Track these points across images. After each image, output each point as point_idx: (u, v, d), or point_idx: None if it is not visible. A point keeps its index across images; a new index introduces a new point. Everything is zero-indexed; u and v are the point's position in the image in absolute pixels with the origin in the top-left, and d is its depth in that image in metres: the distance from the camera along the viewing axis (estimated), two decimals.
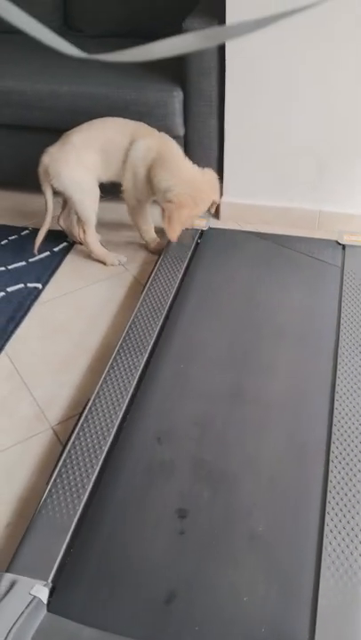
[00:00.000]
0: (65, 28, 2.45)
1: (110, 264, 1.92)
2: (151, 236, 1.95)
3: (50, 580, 1.02)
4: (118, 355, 1.48)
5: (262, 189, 2.04)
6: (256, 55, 1.76)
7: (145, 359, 1.46)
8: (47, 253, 1.95)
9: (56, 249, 1.98)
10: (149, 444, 1.28)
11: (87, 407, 1.34)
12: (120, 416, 1.32)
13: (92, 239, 1.88)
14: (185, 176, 1.75)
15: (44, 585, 1.01)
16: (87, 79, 1.96)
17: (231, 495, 1.17)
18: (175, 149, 1.79)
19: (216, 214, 2.10)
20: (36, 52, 2.19)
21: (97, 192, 1.81)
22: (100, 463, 1.22)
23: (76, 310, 1.75)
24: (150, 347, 1.50)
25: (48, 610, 0.99)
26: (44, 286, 1.84)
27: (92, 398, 1.36)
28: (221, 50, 1.78)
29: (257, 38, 1.73)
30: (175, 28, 1.84)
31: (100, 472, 1.21)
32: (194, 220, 1.83)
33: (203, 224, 1.97)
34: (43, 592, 1.00)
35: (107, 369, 1.44)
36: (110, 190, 1.85)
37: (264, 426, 1.31)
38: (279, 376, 1.44)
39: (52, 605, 1.00)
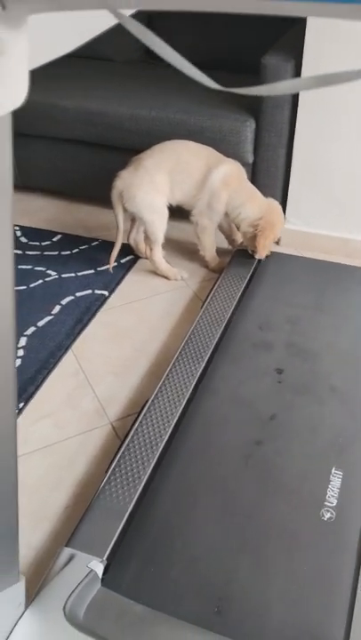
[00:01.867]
0: (146, 57, 2.62)
1: (173, 279, 2.02)
2: (213, 255, 2.06)
3: (105, 558, 1.11)
4: (177, 361, 1.57)
5: (323, 219, 2.12)
6: (330, 91, 1.86)
7: (202, 367, 1.55)
8: (115, 264, 2.07)
9: (123, 261, 2.11)
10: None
11: (146, 405, 1.44)
12: (177, 416, 1.40)
13: (158, 256, 2.00)
14: (264, 204, 1.92)
15: (100, 561, 1.10)
16: (167, 105, 2.10)
17: None
18: (246, 178, 1.94)
19: (276, 242, 2.19)
20: (121, 78, 2.38)
21: (166, 213, 1.93)
22: (155, 457, 1.30)
23: (139, 318, 1.86)
24: (208, 356, 1.59)
25: (102, 584, 1.08)
26: (110, 294, 1.96)
27: (152, 398, 1.45)
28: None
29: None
30: (254, 63, 1.98)
31: (155, 465, 1.29)
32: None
33: None
34: (98, 567, 1.09)
35: (166, 373, 1.53)
36: (177, 211, 1.97)
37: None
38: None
39: (105, 581, 1.09)
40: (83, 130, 2.19)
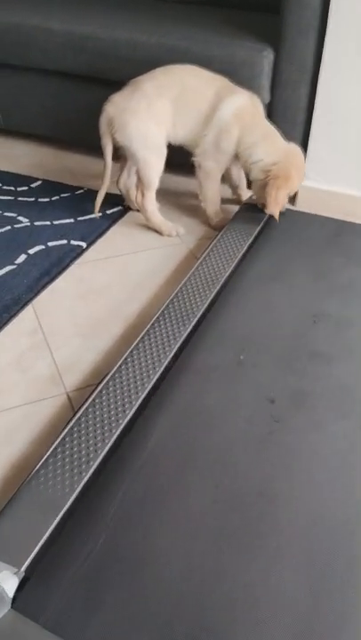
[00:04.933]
0: None
1: (167, 234, 1.70)
2: (216, 208, 1.74)
3: (23, 569, 0.79)
4: (155, 325, 1.25)
5: (349, 176, 1.79)
6: None
7: (185, 335, 1.23)
8: (99, 214, 1.75)
9: (109, 212, 1.79)
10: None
11: (109, 374, 1.12)
12: (146, 390, 1.08)
13: (151, 205, 1.68)
14: (282, 147, 1.59)
15: (15, 573, 0.78)
16: (170, 31, 1.78)
17: None
18: (264, 115, 1.61)
19: (292, 199, 1.86)
20: (118, 2, 2.06)
21: (164, 151, 1.61)
22: (112, 438, 0.99)
23: (119, 275, 1.55)
24: (194, 322, 1.27)
25: (13, 606, 0.77)
26: (88, 246, 1.64)
27: (117, 366, 1.14)
28: (326, 4, 1.56)
29: None
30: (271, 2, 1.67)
31: (111, 448, 0.98)
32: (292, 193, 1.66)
33: None
34: (10, 582, 0.77)
35: (138, 338, 1.22)
36: (176, 157, 1.64)
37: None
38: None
39: (19, 601, 0.77)
40: (72, 59, 1.87)
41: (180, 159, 1.67)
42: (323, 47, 1.62)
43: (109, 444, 0.97)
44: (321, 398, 1.12)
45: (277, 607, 0.76)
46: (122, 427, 1.01)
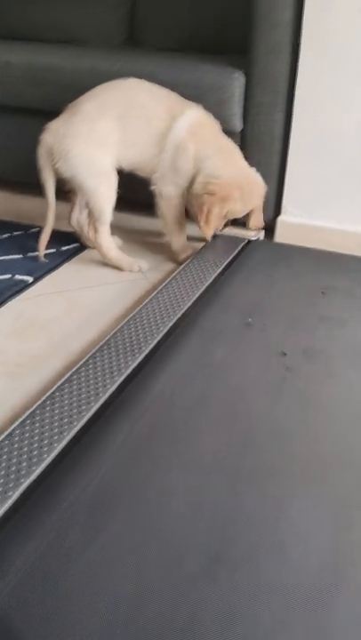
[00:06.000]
0: (129, 42, 2.23)
1: (128, 270, 1.49)
2: (182, 242, 1.53)
3: None
4: (89, 361, 1.00)
5: (332, 208, 1.61)
6: (347, 31, 1.40)
7: (126, 374, 0.97)
8: (52, 250, 1.55)
9: (64, 248, 1.59)
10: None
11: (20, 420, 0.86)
12: (67, 438, 0.82)
13: (106, 240, 1.47)
14: (238, 167, 1.41)
15: None
16: (134, 59, 1.67)
17: None
18: (221, 131, 1.45)
19: (270, 234, 1.67)
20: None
21: (114, 178, 1.42)
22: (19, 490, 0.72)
23: (68, 310, 1.32)
24: (141, 358, 1.02)
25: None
26: (35, 281, 1.43)
27: (32, 410, 0.88)
28: (298, 20, 1.44)
29: (348, 5, 1.38)
30: (243, 42, 1.56)
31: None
32: (231, 217, 1.43)
33: (252, 233, 1.54)
34: None
35: (69, 374, 0.97)
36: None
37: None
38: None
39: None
40: (31, 93, 1.75)
41: (142, 198, 1.50)
42: (297, 68, 1.49)
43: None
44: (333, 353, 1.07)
45: (297, 537, 0.70)
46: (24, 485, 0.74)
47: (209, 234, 1.38)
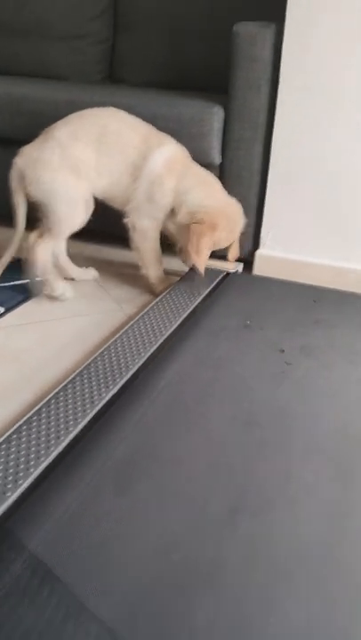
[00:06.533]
0: (108, 80, 2.25)
1: (49, 291, 1.43)
2: (159, 274, 1.50)
3: None
4: (60, 393, 0.95)
5: (312, 242, 1.60)
6: (324, 66, 1.42)
7: (97, 408, 0.92)
8: (26, 281, 1.50)
9: (38, 279, 1.54)
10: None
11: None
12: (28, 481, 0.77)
13: (45, 253, 1.40)
14: (221, 197, 1.41)
15: None
16: (114, 91, 1.67)
17: None
18: (195, 164, 1.44)
19: (248, 267, 1.66)
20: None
21: (87, 204, 1.39)
22: None
23: (41, 341, 1.27)
24: (114, 391, 0.97)
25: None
26: (7, 311, 1.38)
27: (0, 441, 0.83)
28: (277, 56, 1.46)
29: (322, 43, 1.40)
30: (224, 79, 1.58)
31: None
32: (218, 248, 1.41)
33: (231, 266, 1.52)
34: None
35: (37, 407, 0.92)
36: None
37: None
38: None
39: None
40: (9, 122, 1.73)
41: (117, 230, 1.47)
42: (275, 103, 1.50)
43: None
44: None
45: (309, 492, 0.79)
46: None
47: (200, 263, 1.34)
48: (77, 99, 1.64)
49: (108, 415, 0.92)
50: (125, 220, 1.43)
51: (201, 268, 1.35)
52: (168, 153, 1.39)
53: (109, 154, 1.37)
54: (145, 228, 1.42)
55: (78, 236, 1.45)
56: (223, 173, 1.62)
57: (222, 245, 1.41)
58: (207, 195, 1.38)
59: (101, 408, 0.91)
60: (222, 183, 1.60)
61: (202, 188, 1.39)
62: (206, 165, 1.58)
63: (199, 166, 1.44)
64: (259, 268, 1.65)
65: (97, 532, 0.70)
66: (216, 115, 1.55)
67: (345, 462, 0.86)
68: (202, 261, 1.34)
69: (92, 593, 0.62)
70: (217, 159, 1.59)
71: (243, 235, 1.54)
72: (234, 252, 1.49)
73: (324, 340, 1.21)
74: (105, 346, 1.10)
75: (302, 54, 1.43)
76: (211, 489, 0.78)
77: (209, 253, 1.37)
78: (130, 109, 1.58)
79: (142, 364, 1.03)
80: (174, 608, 0.61)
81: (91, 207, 1.41)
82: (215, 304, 1.33)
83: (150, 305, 1.29)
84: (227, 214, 1.38)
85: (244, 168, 1.59)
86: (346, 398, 1.02)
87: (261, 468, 0.83)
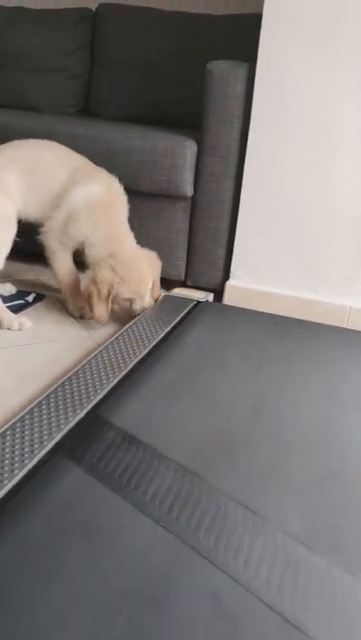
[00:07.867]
0: (83, 114, 2.28)
1: (7, 326, 1.41)
2: (72, 291, 1.51)
3: None
4: (28, 415, 0.93)
5: (280, 274, 1.62)
6: (290, 103, 1.47)
7: (60, 435, 0.91)
8: None
9: (8, 304, 1.53)
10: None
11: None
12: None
13: None
14: (128, 253, 1.41)
15: None
16: (88, 124, 1.69)
17: None
18: (122, 207, 1.47)
19: (219, 297, 1.67)
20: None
21: (14, 224, 1.43)
22: None
23: (6, 366, 1.24)
24: (77, 420, 0.95)
25: None
26: None
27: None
28: (249, 93, 1.50)
29: (292, 81, 1.45)
30: (194, 115, 1.62)
31: None
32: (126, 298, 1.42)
33: (202, 295, 1.53)
34: None
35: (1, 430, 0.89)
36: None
37: None
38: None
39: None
40: None
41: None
42: (247, 137, 1.54)
43: None
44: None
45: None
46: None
47: (96, 318, 1.39)
48: (52, 127, 1.66)
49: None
50: (37, 237, 1.47)
51: (100, 321, 1.39)
52: (92, 192, 1.42)
53: (38, 185, 1.44)
54: (54, 249, 1.47)
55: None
56: (195, 205, 1.64)
57: (127, 296, 1.41)
58: (108, 252, 1.40)
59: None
60: (194, 215, 1.64)
61: (107, 244, 1.40)
62: (179, 198, 1.62)
63: (120, 212, 1.46)
64: (229, 298, 1.67)
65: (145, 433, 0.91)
66: (189, 148, 1.58)
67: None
68: (97, 317, 1.38)
69: (165, 447, 0.88)
70: (189, 191, 1.62)
71: (213, 265, 1.57)
72: (155, 293, 1.50)
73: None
74: (68, 374, 1.08)
75: (274, 91, 1.47)
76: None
77: (109, 306, 1.38)
78: (105, 141, 1.61)
79: (106, 394, 1.01)
80: (220, 458, 0.88)
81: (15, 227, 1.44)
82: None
83: (118, 333, 1.28)
84: (130, 270, 1.38)
85: (215, 200, 1.62)
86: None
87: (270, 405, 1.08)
